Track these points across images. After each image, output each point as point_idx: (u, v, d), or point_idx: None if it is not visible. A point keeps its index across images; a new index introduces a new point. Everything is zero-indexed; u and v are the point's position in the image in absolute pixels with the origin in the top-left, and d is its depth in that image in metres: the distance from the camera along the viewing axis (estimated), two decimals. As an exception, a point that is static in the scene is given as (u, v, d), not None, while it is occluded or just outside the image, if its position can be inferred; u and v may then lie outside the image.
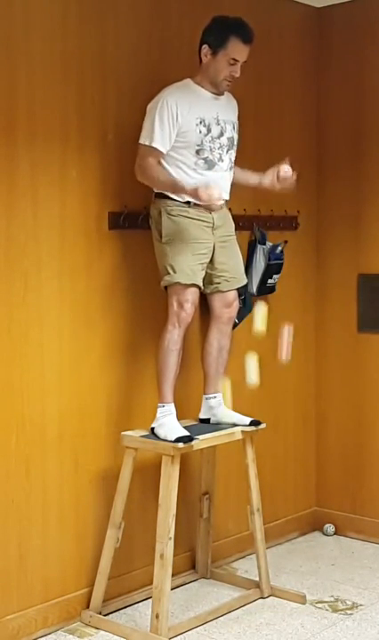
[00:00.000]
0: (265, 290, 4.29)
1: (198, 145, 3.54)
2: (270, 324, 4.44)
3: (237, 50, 3.51)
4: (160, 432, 3.54)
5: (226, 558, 4.27)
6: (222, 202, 3.66)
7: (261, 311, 3.76)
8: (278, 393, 4.53)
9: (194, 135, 3.52)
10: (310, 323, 4.69)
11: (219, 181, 3.60)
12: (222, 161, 3.62)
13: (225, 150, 3.63)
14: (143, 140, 3.50)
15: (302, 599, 3.85)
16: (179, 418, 3.61)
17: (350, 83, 4.52)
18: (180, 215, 3.54)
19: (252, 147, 3.88)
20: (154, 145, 3.47)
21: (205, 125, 3.54)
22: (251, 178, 3.76)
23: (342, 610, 3.80)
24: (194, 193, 3.40)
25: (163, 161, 3.52)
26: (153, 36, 3.83)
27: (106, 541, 3.65)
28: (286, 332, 3.68)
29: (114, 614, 3.71)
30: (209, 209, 3.59)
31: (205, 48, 3.54)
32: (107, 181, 3.69)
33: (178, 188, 3.48)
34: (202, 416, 3.84)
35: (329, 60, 4.59)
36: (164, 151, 3.49)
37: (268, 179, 3.67)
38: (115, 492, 3.63)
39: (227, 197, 3.69)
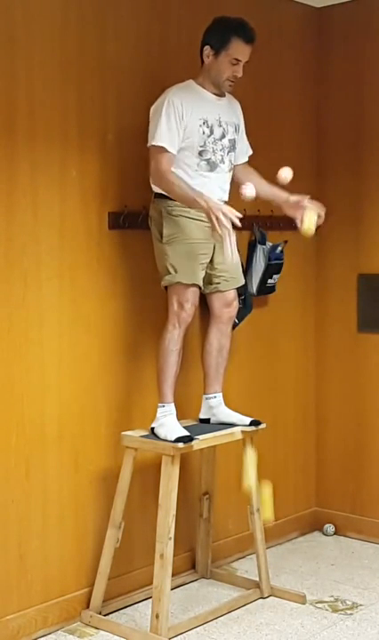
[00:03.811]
0: (265, 290, 4.29)
1: (201, 146, 3.53)
2: (269, 324, 4.47)
3: (240, 50, 3.51)
4: (160, 432, 3.54)
5: (226, 558, 4.27)
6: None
7: (251, 461, 3.70)
8: (278, 393, 4.53)
9: (197, 136, 3.52)
10: (310, 323, 4.69)
11: (219, 182, 3.61)
12: (224, 162, 3.62)
13: (226, 152, 3.63)
14: (151, 142, 3.48)
15: (302, 599, 3.85)
16: (179, 418, 3.61)
17: (350, 82, 4.52)
18: (180, 215, 3.54)
19: (252, 147, 3.87)
20: (161, 144, 3.44)
21: (207, 126, 3.54)
22: (278, 197, 3.68)
23: (342, 610, 3.80)
24: (207, 209, 3.31)
25: None
26: (153, 36, 3.83)
27: (106, 541, 3.65)
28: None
29: (114, 614, 3.71)
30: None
31: (207, 49, 3.54)
32: (107, 181, 3.69)
33: (189, 201, 3.40)
34: (202, 416, 3.84)
35: (329, 59, 4.59)
36: (172, 150, 3.46)
37: (293, 212, 3.61)
38: (115, 492, 3.63)
39: (226, 199, 3.68)
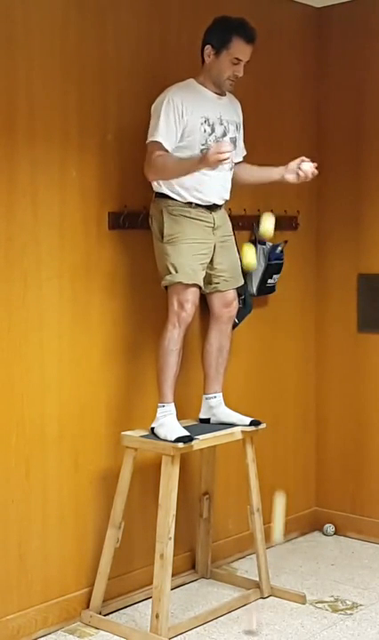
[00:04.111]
0: (265, 290, 4.29)
1: (203, 144, 3.53)
2: (269, 324, 4.47)
3: (240, 49, 3.52)
4: (160, 432, 3.54)
5: (226, 558, 4.27)
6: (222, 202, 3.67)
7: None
8: (278, 393, 4.53)
9: (198, 134, 3.52)
10: (310, 323, 4.69)
11: (221, 181, 3.61)
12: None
13: (228, 150, 3.63)
14: (149, 138, 3.49)
15: (302, 599, 3.85)
16: (179, 418, 3.61)
17: (350, 82, 4.52)
18: (181, 215, 3.54)
19: (252, 146, 3.88)
20: (157, 139, 3.44)
21: (209, 125, 3.55)
22: (273, 173, 3.65)
23: (342, 610, 3.80)
24: (205, 160, 3.27)
25: None
26: (153, 36, 3.83)
27: (106, 541, 3.65)
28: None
29: (114, 614, 3.71)
30: (210, 209, 3.59)
31: (208, 48, 3.55)
32: (107, 181, 3.69)
33: (190, 165, 3.39)
34: (202, 416, 3.84)
35: (329, 59, 4.59)
36: (168, 146, 3.45)
37: (291, 176, 3.55)
38: (115, 492, 3.63)
39: (227, 197, 3.69)
